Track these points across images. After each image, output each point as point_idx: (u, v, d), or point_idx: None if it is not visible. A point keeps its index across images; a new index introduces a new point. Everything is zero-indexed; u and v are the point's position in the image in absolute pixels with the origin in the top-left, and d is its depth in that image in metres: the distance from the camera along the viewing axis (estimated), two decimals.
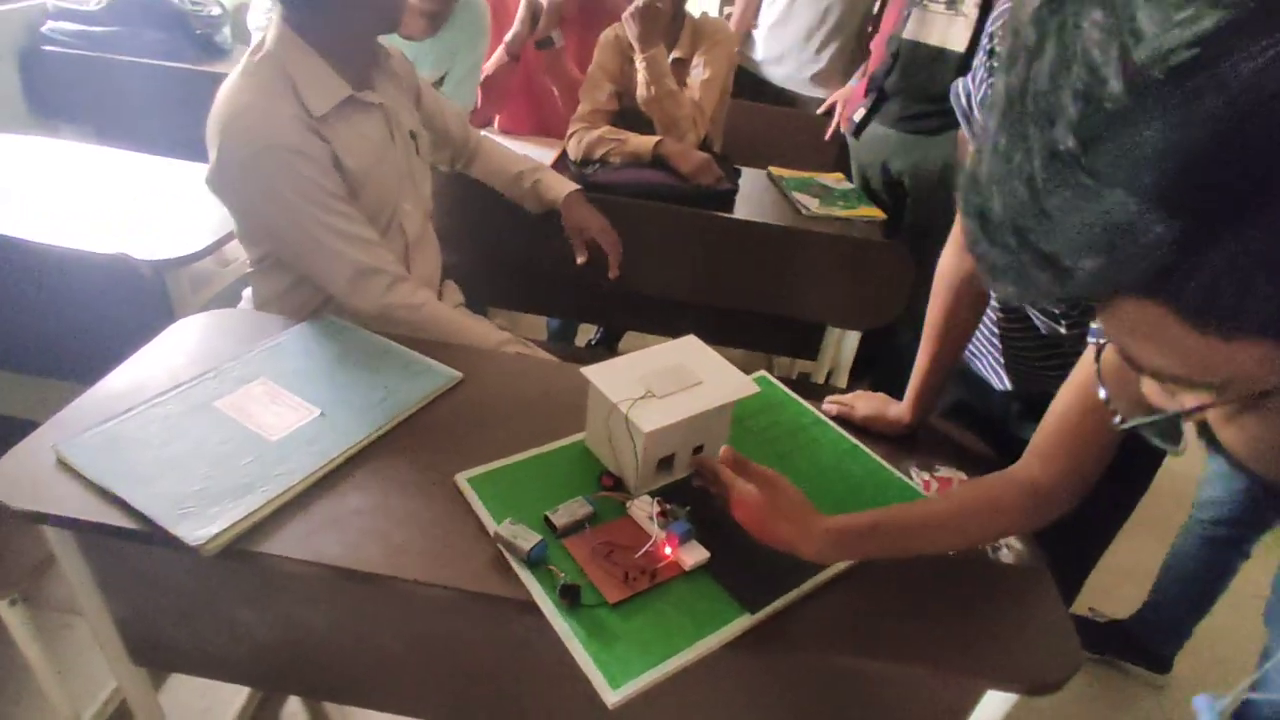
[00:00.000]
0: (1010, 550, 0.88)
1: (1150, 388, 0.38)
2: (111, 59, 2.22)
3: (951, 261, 1.00)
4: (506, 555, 0.79)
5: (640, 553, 0.79)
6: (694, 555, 0.79)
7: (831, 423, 1.07)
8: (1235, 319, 0.29)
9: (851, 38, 2.34)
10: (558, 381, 1.10)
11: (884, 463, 1.01)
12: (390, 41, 1.27)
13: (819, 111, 2.36)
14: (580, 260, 1.56)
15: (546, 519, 0.83)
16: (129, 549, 0.89)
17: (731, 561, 0.80)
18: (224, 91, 1.09)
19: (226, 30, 2.51)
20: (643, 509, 0.84)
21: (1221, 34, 0.25)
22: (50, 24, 2.19)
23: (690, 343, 0.98)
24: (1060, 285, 0.31)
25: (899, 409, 1.06)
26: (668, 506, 0.83)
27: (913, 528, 0.76)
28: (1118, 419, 0.41)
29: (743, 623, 0.75)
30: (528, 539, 0.78)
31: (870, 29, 2.35)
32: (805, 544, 0.73)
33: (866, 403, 1.07)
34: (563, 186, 1.53)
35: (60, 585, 1.56)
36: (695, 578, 0.79)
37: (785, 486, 0.76)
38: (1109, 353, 0.39)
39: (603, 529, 0.83)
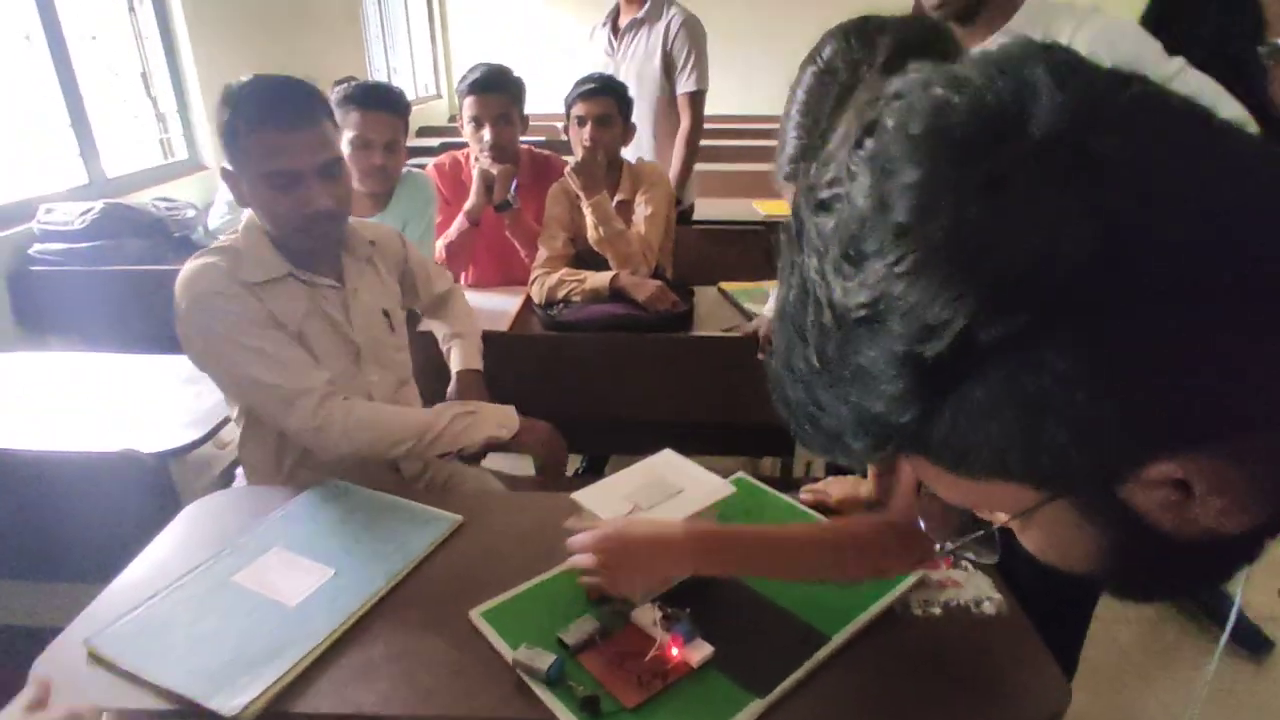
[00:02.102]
0: (991, 602, 0.95)
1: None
2: (95, 271, 2.36)
3: None
4: (526, 679, 0.84)
5: (649, 656, 0.85)
6: (699, 652, 0.85)
7: (811, 511, 1.15)
8: (972, 466, 0.36)
9: None
10: (551, 511, 1.16)
11: None
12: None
13: None
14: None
15: (559, 640, 0.88)
16: None
17: (736, 652, 0.86)
18: (187, 262, 1.25)
19: (201, 228, 2.70)
20: (646, 616, 0.90)
21: (875, 301, 0.34)
22: (38, 246, 2.34)
23: (667, 456, 1.07)
24: (851, 453, 0.40)
25: (868, 487, 1.15)
26: (669, 610, 0.89)
27: (767, 543, 0.85)
28: (938, 546, 0.50)
29: (755, 708, 0.80)
30: (544, 660, 0.83)
31: None
32: (668, 556, 0.82)
33: (839, 487, 1.16)
34: (463, 360, 1.58)
35: None
36: (704, 673, 0.85)
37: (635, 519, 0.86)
38: (923, 493, 0.47)
39: (612, 641, 0.89)
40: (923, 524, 0.51)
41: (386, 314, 1.41)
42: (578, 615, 0.92)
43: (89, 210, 2.40)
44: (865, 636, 0.90)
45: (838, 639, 0.88)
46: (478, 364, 1.60)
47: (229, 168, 1.22)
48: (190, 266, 1.23)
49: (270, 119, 1.16)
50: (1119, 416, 0.32)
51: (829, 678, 0.86)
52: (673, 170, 2.68)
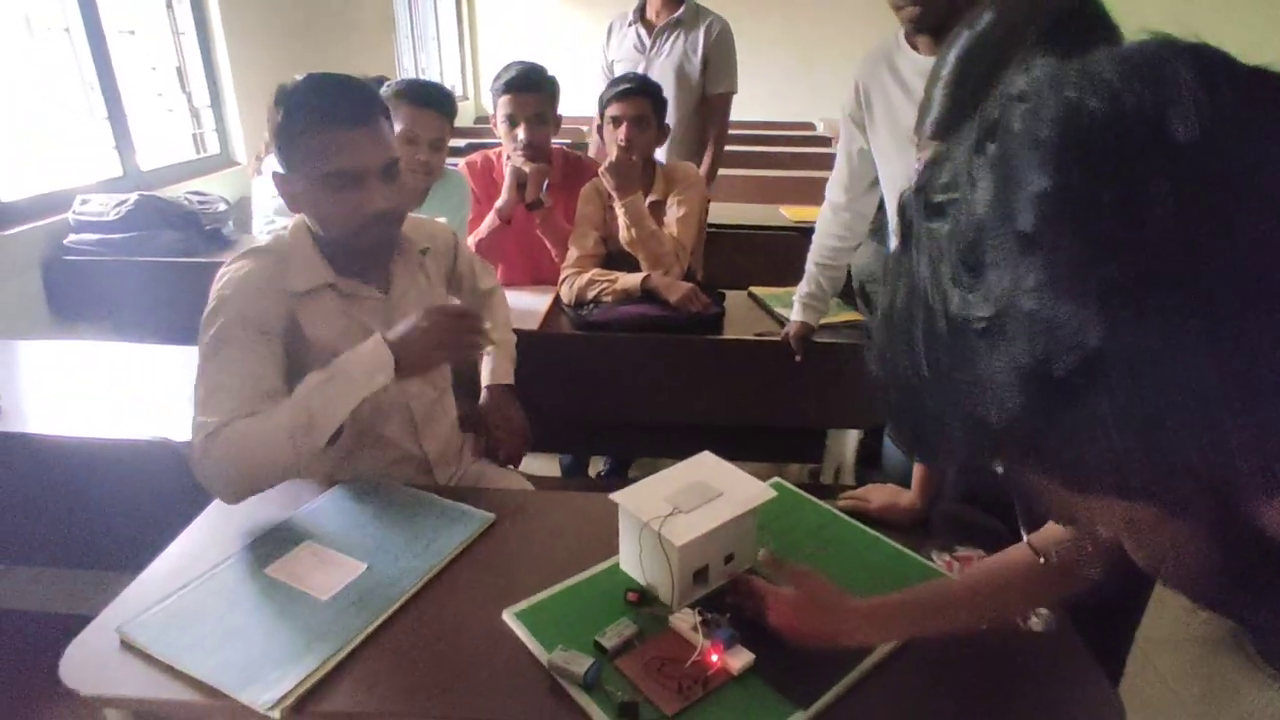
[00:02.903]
0: (1039, 618, 0.92)
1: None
2: (127, 261, 2.38)
3: None
4: (562, 682, 0.82)
5: (690, 662, 0.82)
6: (740, 659, 0.83)
7: (848, 518, 1.12)
8: (1087, 483, 0.34)
9: None
10: (581, 512, 1.15)
11: (904, 548, 1.05)
12: None
13: None
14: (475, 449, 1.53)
15: (596, 643, 0.86)
16: None
17: (777, 661, 0.84)
18: (235, 256, 1.20)
19: (231, 223, 2.72)
20: (685, 621, 0.88)
21: (998, 316, 0.32)
22: (73, 236, 2.37)
23: (705, 458, 1.05)
24: (955, 456, 0.38)
25: (909, 496, 1.12)
26: (709, 615, 0.87)
27: (934, 603, 0.80)
28: (1043, 560, 0.48)
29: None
30: (581, 664, 0.81)
31: None
32: (842, 630, 0.77)
33: (879, 494, 1.13)
34: (495, 373, 1.54)
35: None
36: (745, 681, 0.82)
37: (817, 581, 0.81)
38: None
39: (649, 645, 0.87)
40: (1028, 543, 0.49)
41: None
42: (612, 618, 0.90)
43: (123, 202, 2.43)
44: (910, 649, 0.87)
45: (884, 648, 0.86)
46: (509, 378, 1.56)
47: (281, 170, 1.18)
48: (229, 266, 1.19)
49: (331, 117, 1.12)
50: (1256, 435, 0.29)
51: (872, 690, 0.83)
52: (703, 168, 2.71)
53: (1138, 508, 0.35)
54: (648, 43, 2.69)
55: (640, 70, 2.64)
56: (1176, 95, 0.30)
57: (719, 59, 2.67)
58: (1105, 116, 0.31)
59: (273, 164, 1.22)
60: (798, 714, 0.78)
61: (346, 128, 1.12)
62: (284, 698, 0.80)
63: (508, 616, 0.92)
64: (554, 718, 0.80)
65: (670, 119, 2.62)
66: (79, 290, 2.40)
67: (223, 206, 2.68)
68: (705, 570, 0.95)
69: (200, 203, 2.63)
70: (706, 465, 1.04)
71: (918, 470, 1.12)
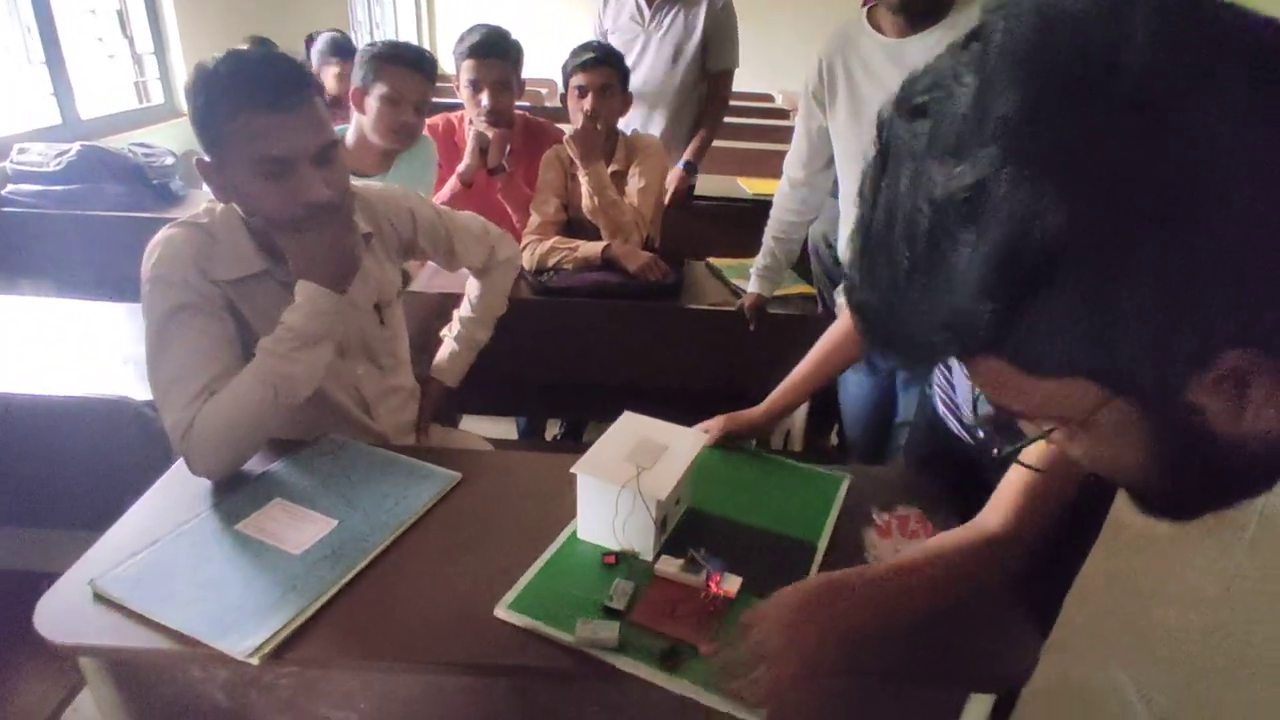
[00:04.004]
0: None
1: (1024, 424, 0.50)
2: (70, 214, 2.31)
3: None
4: (594, 652, 0.84)
5: (703, 596, 0.91)
6: (733, 583, 0.92)
7: (767, 454, 1.27)
8: (1045, 364, 0.39)
9: None
10: (543, 469, 1.20)
11: (800, 464, 1.23)
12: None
13: None
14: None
15: (607, 608, 0.90)
16: (160, 675, 0.94)
17: (756, 575, 0.94)
18: (164, 229, 1.15)
19: (179, 177, 2.64)
20: (670, 566, 0.95)
21: (983, 181, 0.36)
22: (10, 187, 2.28)
23: (632, 419, 1.11)
24: (926, 353, 0.43)
25: (750, 411, 1.28)
26: (695, 553, 0.95)
27: (891, 583, 0.85)
28: (995, 451, 0.54)
29: None
30: (608, 629, 0.84)
31: None
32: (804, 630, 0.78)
33: (716, 422, 1.26)
34: (446, 370, 1.53)
35: None
36: (743, 600, 0.91)
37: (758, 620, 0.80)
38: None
39: (650, 596, 0.93)
40: (982, 434, 0.54)
41: (378, 308, 1.33)
42: (599, 584, 0.94)
43: (65, 152, 2.35)
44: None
45: (822, 544, 1.03)
46: (454, 379, 1.54)
47: (206, 159, 1.10)
48: (158, 239, 1.13)
49: (255, 99, 1.03)
50: (1204, 310, 0.35)
51: None
52: (696, 143, 2.70)
53: (1090, 390, 0.40)
54: (647, 15, 2.63)
55: (639, 44, 2.61)
56: (1131, 30, 0.35)
57: (721, 35, 2.62)
58: (1070, 42, 0.36)
59: None
60: None
61: (274, 110, 1.04)
62: (262, 645, 0.83)
63: (502, 612, 0.90)
64: (516, 661, 0.85)
65: (668, 94, 2.66)
66: (18, 244, 2.32)
67: (170, 160, 2.61)
68: (666, 517, 1.03)
69: (146, 155, 2.55)
70: (638, 424, 1.10)
71: (777, 390, 1.28)
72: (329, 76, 2.83)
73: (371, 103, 1.78)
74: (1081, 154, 0.35)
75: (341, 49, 2.85)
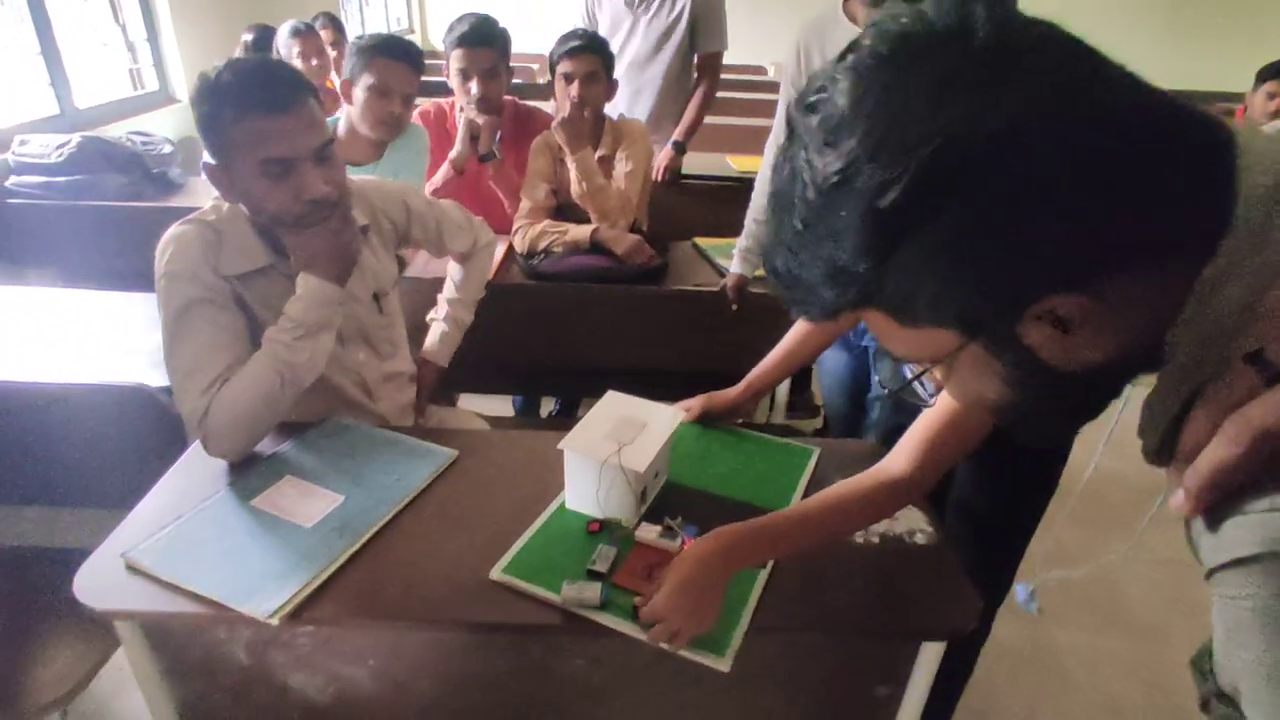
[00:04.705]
0: (923, 534, 1.10)
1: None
2: (73, 205, 2.37)
3: None
4: (579, 611, 0.94)
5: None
6: None
7: (742, 429, 1.35)
8: (911, 312, 0.49)
9: None
10: (531, 449, 1.29)
11: (773, 438, 1.32)
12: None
13: None
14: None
15: (590, 571, 0.99)
16: (189, 637, 1.03)
17: None
18: (174, 226, 1.22)
19: (177, 165, 2.70)
20: (649, 533, 1.04)
21: (846, 167, 0.45)
22: (14, 179, 2.34)
23: (614, 397, 1.20)
24: (821, 304, 0.52)
25: (728, 391, 1.36)
26: (670, 521, 1.05)
27: (794, 521, 0.95)
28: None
29: (762, 577, 1.00)
30: (591, 590, 0.93)
31: None
32: (710, 569, 0.88)
33: (697, 402, 1.34)
34: (436, 351, 1.60)
35: (83, 702, 1.64)
36: None
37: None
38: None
39: (630, 560, 1.02)
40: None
41: (376, 297, 1.41)
42: (585, 550, 1.03)
43: (65, 143, 2.40)
44: (813, 557, 1.04)
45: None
46: (445, 359, 1.61)
47: (213, 163, 1.18)
48: (169, 237, 1.20)
49: (259, 103, 1.11)
50: (1013, 262, 0.45)
51: (784, 575, 1.02)
52: (685, 122, 2.74)
53: (949, 336, 0.50)
54: None
55: (626, 26, 2.65)
56: (972, 19, 0.44)
57: (709, 17, 2.66)
58: (925, 32, 0.45)
59: None
60: (761, 573, 1.00)
61: (275, 114, 1.12)
62: (281, 607, 0.93)
63: (497, 575, 0.99)
64: (506, 619, 0.95)
65: (655, 77, 2.70)
66: (23, 236, 2.38)
67: (168, 148, 2.66)
68: (646, 489, 1.12)
69: (144, 144, 2.61)
70: (619, 402, 1.18)
71: (755, 370, 1.37)
72: (293, 58, 2.86)
73: (359, 93, 1.84)
74: (928, 118, 0.44)
75: (297, 30, 2.89)
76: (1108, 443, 0.82)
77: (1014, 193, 0.43)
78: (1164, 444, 0.50)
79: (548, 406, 2.73)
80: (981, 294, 0.47)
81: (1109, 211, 0.43)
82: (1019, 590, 1.09)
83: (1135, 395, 0.56)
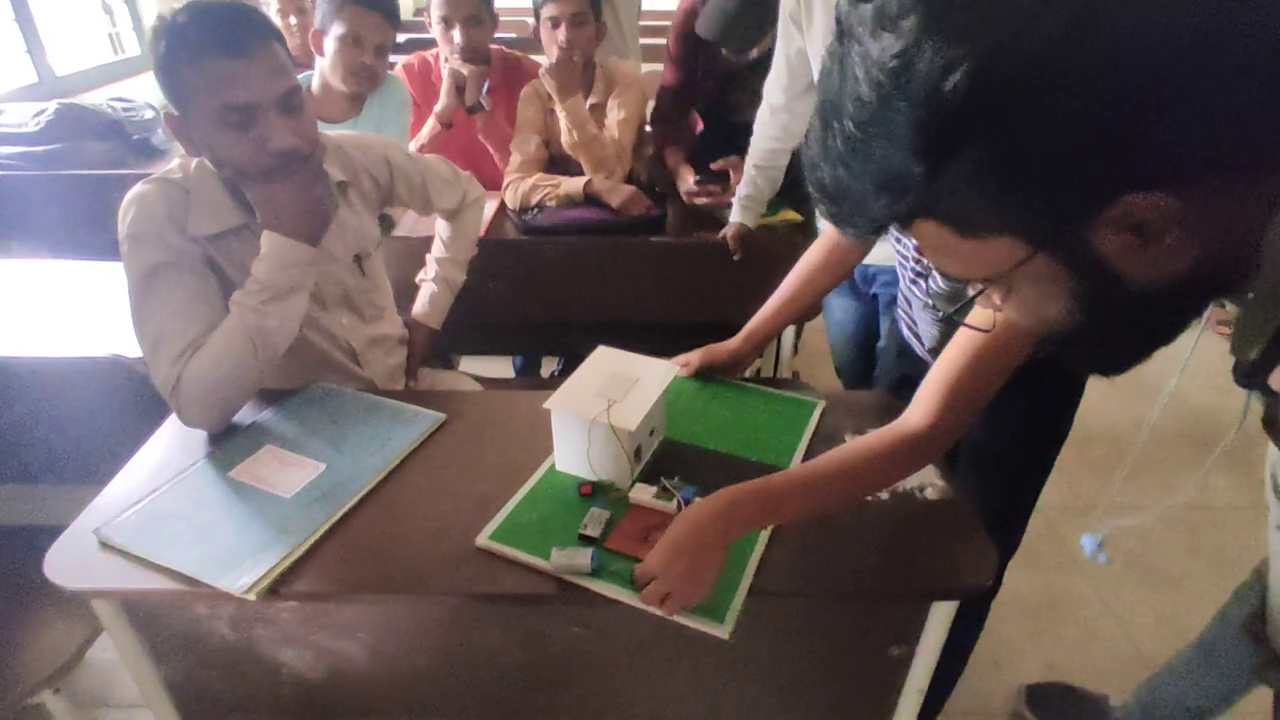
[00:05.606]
0: (934, 488, 1.04)
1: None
2: (53, 175, 2.30)
3: (832, 234, 1.19)
4: (570, 578, 0.88)
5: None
6: None
7: (737, 383, 1.29)
8: (972, 221, 0.45)
9: None
10: (521, 409, 1.23)
11: (775, 391, 1.26)
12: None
13: None
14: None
15: (582, 535, 0.94)
16: (170, 614, 0.99)
17: None
18: (137, 186, 1.16)
19: (160, 131, 2.61)
20: (644, 494, 0.98)
21: (907, 49, 0.41)
22: None
23: (605, 352, 1.14)
24: (872, 216, 0.47)
25: (728, 342, 1.30)
26: (667, 481, 0.99)
27: (803, 482, 0.87)
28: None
29: (764, 538, 0.94)
30: (583, 556, 0.88)
31: None
32: (708, 534, 0.82)
33: (697, 355, 1.29)
34: (427, 313, 1.54)
35: (86, 678, 1.63)
36: None
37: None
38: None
39: (625, 523, 0.96)
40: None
41: (358, 259, 1.35)
42: (576, 514, 0.98)
43: (42, 111, 2.32)
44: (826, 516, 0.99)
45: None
46: (437, 321, 1.55)
47: (174, 113, 1.11)
48: (131, 197, 1.14)
49: (216, 45, 1.03)
50: (1086, 156, 0.40)
51: (788, 534, 0.96)
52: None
53: (1014, 246, 0.46)
54: None
55: None
56: None
57: None
58: None
59: None
60: (762, 533, 0.94)
61: (234, 56, 1.04)
62: (257, 582, 0.88)
63: (484, 542, 0.94)
64: (491, 590, 0.90)
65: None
66: (5, 207, 2.32)
67: (150, 114, 2.57)
68: (640, 448, 1.06)
69: (125, 110, 2.52)
70: (611, 357, 1.13)
71: (754, 320, 1.31)
72: (273, 16, 2.74)
73: (330, 44, 1.75)
74: (976, 16, 0.39)
75: None
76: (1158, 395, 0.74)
77: (1088, 78, 0.38)
78: (1265, 357, 0.46)
79: (550, 367, 2.67)
80: (1050, 195, 0.42)
81: (1195, 104, 0.38)
82: (1086, 542, 1.04)
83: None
